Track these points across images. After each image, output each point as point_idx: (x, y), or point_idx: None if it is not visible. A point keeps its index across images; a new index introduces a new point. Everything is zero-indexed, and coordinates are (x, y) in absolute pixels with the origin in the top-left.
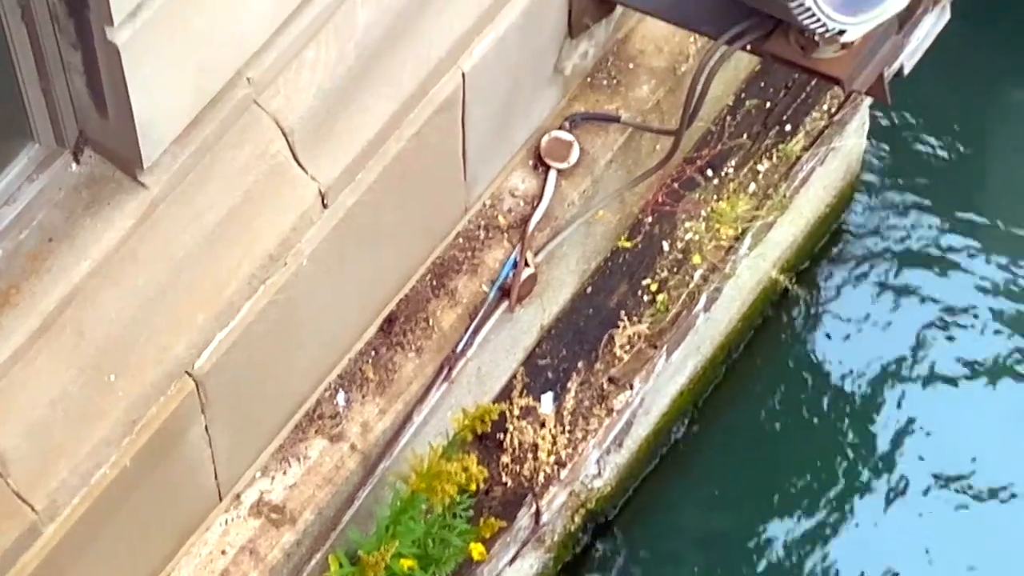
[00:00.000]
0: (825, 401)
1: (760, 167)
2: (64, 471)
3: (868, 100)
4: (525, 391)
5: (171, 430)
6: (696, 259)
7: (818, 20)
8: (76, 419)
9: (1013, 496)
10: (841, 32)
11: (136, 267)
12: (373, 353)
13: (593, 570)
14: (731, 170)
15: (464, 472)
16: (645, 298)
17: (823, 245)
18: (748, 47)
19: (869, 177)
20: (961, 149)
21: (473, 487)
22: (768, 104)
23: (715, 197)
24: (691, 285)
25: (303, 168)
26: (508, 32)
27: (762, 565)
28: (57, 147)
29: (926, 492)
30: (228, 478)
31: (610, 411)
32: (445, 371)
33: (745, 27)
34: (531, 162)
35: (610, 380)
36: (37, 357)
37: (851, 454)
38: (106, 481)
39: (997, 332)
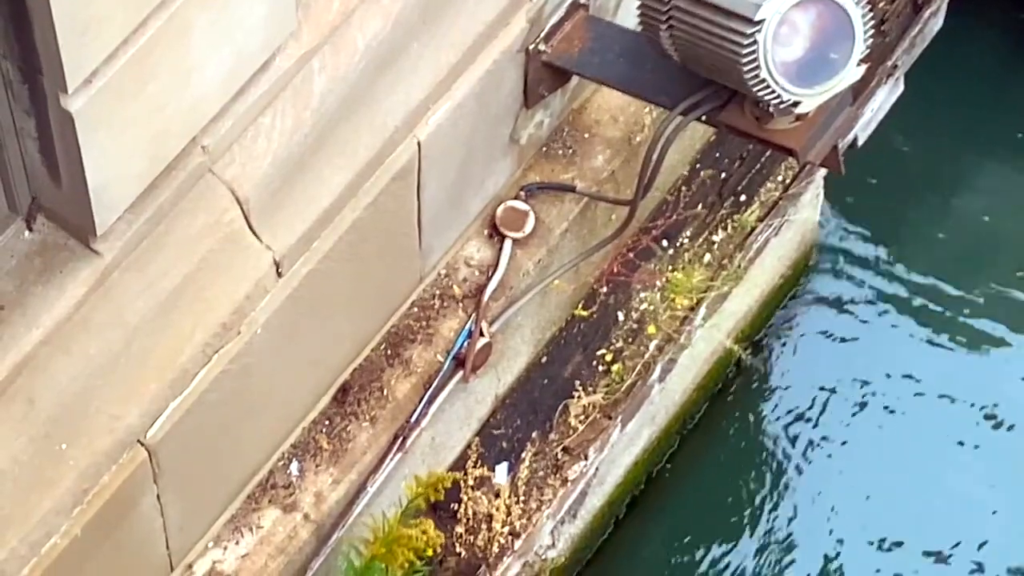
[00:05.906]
0: (777, 472)
1: (715, 237)
2: (13, 540)
3: (823, 171)
4: (480, 461)
5: (123, 499)
6: (651, 329)
7: (773, 91)
8: (26, 488)
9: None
10: (796, 103)
11: (88, 335)
12: (327, 422)
13: None
14: (686, 240)
15: (423, 536)
16: (600, 368)
17: (778, 315)
18: (703, 118)
19: (824, 247)
20: (916, 219)
21: (430, 552)
22: (723, 174)
23: (670, 267)
24: (646, 355)
25: (258, 237)
26: (464, 101)
27: None
28: (9, 213)
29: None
30: (180, 548)
31: (564, 481)
32: (399, 441)
33: (700, 98)
34: (486, 231)
35: (565, 450)
36: None
37: (803, 524)
38: (57, 551)
39: (951, 403)
